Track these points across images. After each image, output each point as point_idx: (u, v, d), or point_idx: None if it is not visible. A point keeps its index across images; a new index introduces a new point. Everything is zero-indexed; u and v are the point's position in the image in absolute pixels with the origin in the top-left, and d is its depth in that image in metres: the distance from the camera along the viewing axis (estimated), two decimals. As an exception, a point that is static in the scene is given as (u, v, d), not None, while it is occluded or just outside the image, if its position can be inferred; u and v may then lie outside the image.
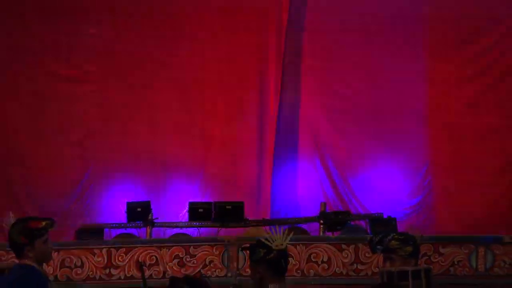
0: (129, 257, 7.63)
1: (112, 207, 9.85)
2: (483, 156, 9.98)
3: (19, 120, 10.12)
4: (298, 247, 7.50)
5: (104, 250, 7.70)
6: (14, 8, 10.02)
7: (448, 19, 10.05)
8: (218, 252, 7.64)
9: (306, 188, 10.18)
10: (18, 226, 4.69)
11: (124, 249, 7.71)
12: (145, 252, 7.69)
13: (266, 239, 4.43)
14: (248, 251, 4.46)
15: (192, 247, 7.71)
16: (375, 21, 10.08)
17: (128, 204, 9.23)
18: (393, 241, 4.76)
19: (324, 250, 7.62)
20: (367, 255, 7.54)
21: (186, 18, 10.13)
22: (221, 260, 7.61)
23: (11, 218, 5.35)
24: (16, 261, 5.20)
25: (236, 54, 10.20)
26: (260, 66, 10.22)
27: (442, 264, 7.57)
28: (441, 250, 7.61)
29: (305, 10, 10.27)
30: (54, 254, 7.09)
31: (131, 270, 7.52)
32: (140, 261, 7.49)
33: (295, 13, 10.22)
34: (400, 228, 8.67)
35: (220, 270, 7.52)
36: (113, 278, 7.50)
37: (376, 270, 6.97)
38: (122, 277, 7.52)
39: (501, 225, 9.06)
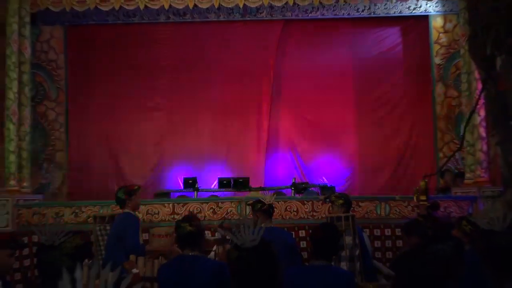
0: (185, 208, 7.81)
1: (175, 180, 10.05)
2: (386, 151, 10.08)
3: (123, 132, 10.30)
4: (279, 202, 7.69)
5: (170, 204, 7.86)
6: (117, 67, 10.28)
7: (365, 72, 10.17)
8: (234, 206, 7.79)
9: (283, 169, 10.30)
10: (122, 188, 5.20)
11: (182, 204, 7.90)
12: (194, 206, 7.85)
13: (262, 198, 4.97)
14: (251, 205, 5.01)
15: (220, 202, 7.89)
16: (324, 75, 10.12)
17: (184, 178, 9.38)
18: (332, 197, 5.35)
19: (294, 204, 7.79)
20: (318, 207, 7.71)
21: (215, 75, 10.27)
22: (237, 210, 7.75)
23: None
24: (121, 211, 5.53)
25: (244, 96, 10.30)
26: (258, 103, 10.33)
27: (361, 212, 7.67)
28: (360, 204, 7.73)
29: (284, 69, 10.38)
30: (142, 207, 7.27)
31: (186, 216, 7.78)
32: (190, 210, 7.67)
33: (278, 69, 10.36)
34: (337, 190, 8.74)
35: (236, 216, 7.65)
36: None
37: (324, 216, 7.20)
38: (181, 220, 7.75)
39: (394, 190, 9.21)
